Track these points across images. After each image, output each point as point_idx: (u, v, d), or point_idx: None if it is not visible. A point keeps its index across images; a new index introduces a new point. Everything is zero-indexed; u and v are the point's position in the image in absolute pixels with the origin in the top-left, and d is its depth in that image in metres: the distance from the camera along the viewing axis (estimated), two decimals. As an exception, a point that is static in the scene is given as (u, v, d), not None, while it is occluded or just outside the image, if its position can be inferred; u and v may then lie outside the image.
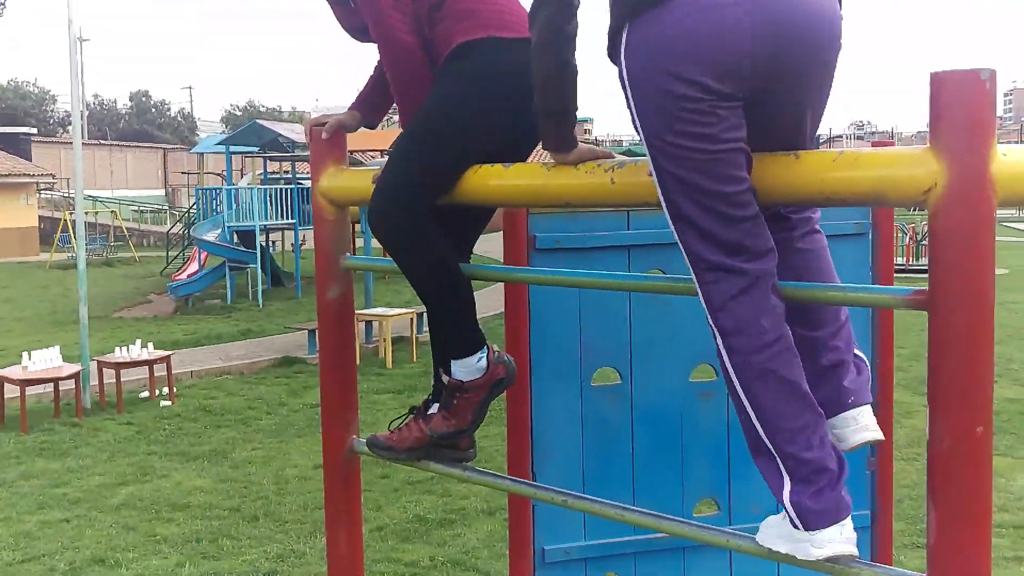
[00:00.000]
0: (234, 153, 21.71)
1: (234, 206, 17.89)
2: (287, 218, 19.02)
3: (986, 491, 1.52)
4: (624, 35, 1.69)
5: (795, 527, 1.68)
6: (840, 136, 61.98)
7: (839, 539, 1.66)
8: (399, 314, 12.14)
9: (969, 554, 1.53)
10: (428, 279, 2.21)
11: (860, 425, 1.84)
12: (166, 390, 10.08)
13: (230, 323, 15.43)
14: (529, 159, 2.23)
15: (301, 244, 19.93)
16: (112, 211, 32.59)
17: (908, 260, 21.42)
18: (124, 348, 9.90)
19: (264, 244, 19.24)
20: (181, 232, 25.08)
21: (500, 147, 2.18)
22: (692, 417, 3.17)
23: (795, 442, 1.67)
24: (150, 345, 10.18)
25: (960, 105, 1.47)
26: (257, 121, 20.43)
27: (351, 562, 2.48)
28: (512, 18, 2.21)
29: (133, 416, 9.38)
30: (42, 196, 35.49)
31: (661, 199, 1.72)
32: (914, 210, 29.73)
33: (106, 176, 47.02)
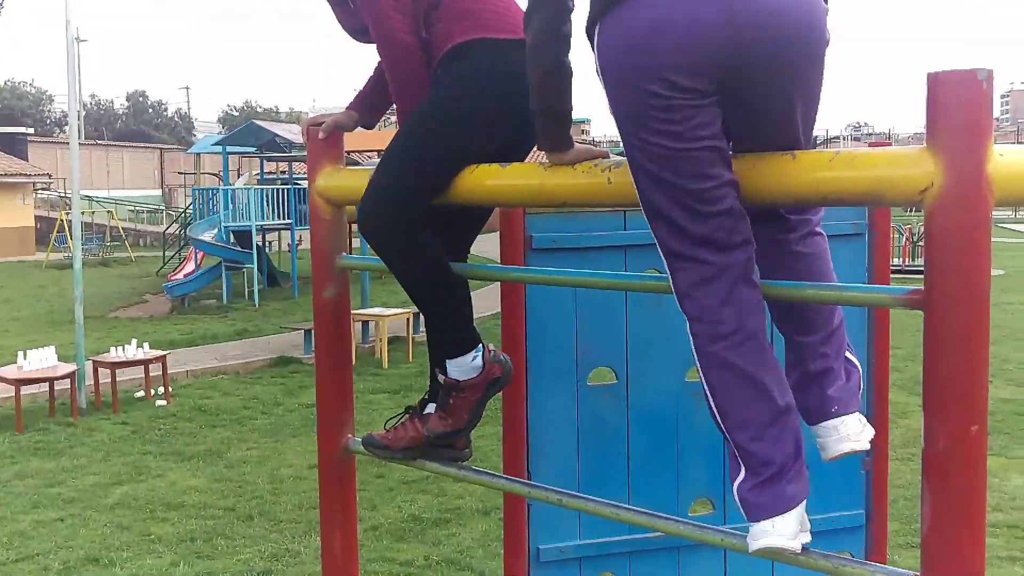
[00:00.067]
0: (231, 153, 21.66)
1: (231, 206, 17.88)
2: (284, 218, 19.00)
3: (980, 491, 1.53)
4: (596, 31, 1.72)
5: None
6: (837, 137, 62.11)
7: (773, 532, 1.68)
8: (395, 314, 12.14)
9: (963, 553, 1.53)
10: (421, 281, 2.21)
11: (841, 435, 1.83)
12: (161, 390, 10.07)
13: (226, 323, 15.42)
14: (527, 160, 2.23)
15: (298, 244, 19.93)
16: (108, 211, 32.53)
17: (905, 261, 21.46)
18: (120, 348, 9.88)
19: (260, 244, 19.22)
20: (177, 232, 25.06)
21: (497, 148, 2.17)
22: (688, 417, 3.17)
23: (743, 431, 1.70)
24: (146, 345, 10.17)
25: (957, 105, 1.47)
26: (254, 121, 20.41)
27: (346, 561, 2.48)
28: (509, 19, 2.21)
29: (128, 416, 9.36)
30: (38, 196, 35.43)
31: (636, 192, 1.75)
32: (911, 210, 29.78)
33: (103, 176, 46.95)
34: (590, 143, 2.07)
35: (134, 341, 10.08)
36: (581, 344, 3.11)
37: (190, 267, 18.76)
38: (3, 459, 7.93)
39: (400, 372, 11.23)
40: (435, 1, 2.21)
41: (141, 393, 10.12)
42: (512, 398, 2.98)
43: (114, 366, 9.62)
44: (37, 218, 32.58)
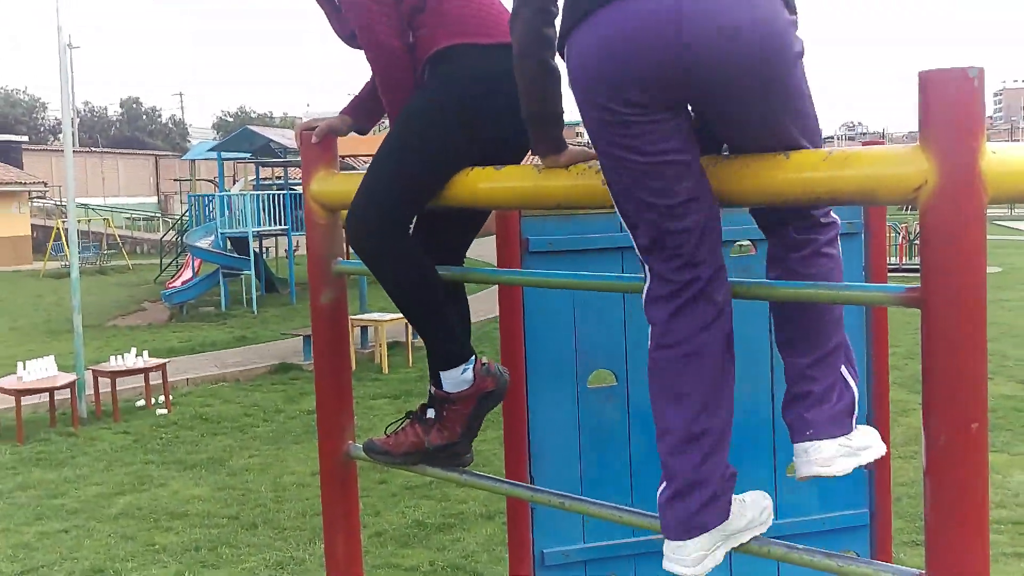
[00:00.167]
0: (226, 159, 21.68)
1: (227, 212, 17.87)
2: (280, 224, 19.00)
3: (983, 487, 1.53)
4: (565, 52, 1.76)
5: None
6: (831, 137, 62.13)
7: (672, 558, 1.74)
8: (394, 319, 12.12)
9: (967, 551, 1.53)
10: (408, 294, 2.19)
11: (810, 459, 1.82)
12: (162, 398, 10.06)
13: (225, 330, 15.41)
14: (523, 163, 2.23)
15: (295, 250, 19.92)
16: (105, 219, 32.53)
17: (901, 260, 21.45)
18: (119, 356, 9.87)
19: (258, 250, 19.21)
20: (174, 239, 25.06)
21: (486, 150, 2.16)
22: (688, 418, 3.17)
23: (662, 441, 1.75)
24: (145, 353, 10.16)
25: (949, 103, 1.47)
26: (249, 127, 20.41)
27: (350, 568, 2.47)
28: (493, 23, 2.20)
29: (129, 425, 9.36)
30: (34, 204, 35.44)
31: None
32: (907, 210, 29.81)
33: (98, 184, 46.95)
34: (586, 145, 2.05)
35: (133, 350, 10.07)
36: (580, 346, 3.11)
37: (188, 274, 18.76)
38: (5, 470, 7.93)
39: (400, 377, 11.22)
40: (419, 5, 2.20)
41: (142, 402, 10.11)
42: (513, 401, 2.98)
43: (114, 375, 9.61)
44: (33, 227, 32.59)
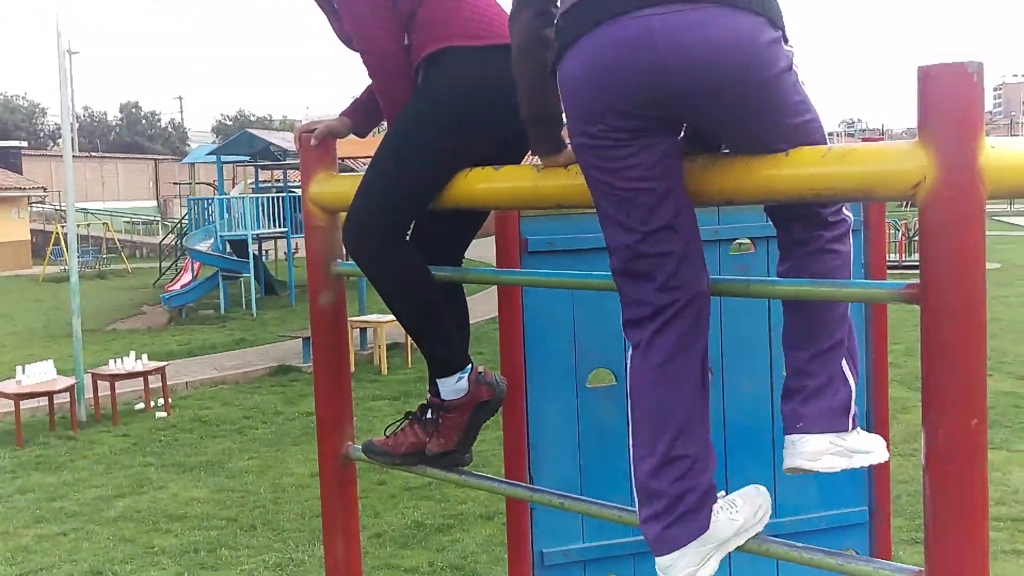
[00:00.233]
0: (225, 163, 21.67)
1: (226, 215, 17.87)
2: (279, 226, 18.99)
3: (982, 485, 1.52)
4: (557, 76, 1.77)
5: None
6: (830, 134, 62.12)
7: (659, 571, 1.76)
8: (393, 320, 12.10)
9: (967, 548, 1.52)
10: (403, 302, 2.19)
11: (795, 451, 1.81)
12: (161, 401, 10.06)
13: (224, 333, 15.41)
14: (523, 162, 2.22)
15: (294, 252, 19.93)
16: (104, 223, 32.54)
17: (901, 256, 21.45)
18: (118, 360, 9.87)
19: (257, 253, 19.21)
20: (173, 243, 25.05)
21: (484, 150, 2.15)
22: (688, 417, 3.16)
23: (636, 455, 1.76)
24: (144, 357, 10.16)
25: (948, 98, 1.47)
26: (248, 130, 20.41)
27: (349, 569, 2.47)
28: (486, 25, 2.19)
29: (128, 428, 9.36)
30: (34, 209, 35.44)
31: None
32: (906, 206, 29.84)
33: (98, 188, 46.96)
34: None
35: (132, 353, 10.07)
36: (579, 346, 3.10)
37: (187, 278, 18.75)
38: (4, 474, 7.92)
39: (399, 378, 11.22)
40: (413, 9, 2.20)
41: (141, 405, 10.11)
42: (512, 401, 2.98)
43: (113, 378, 9.61)
44: (33, 231, 32.60)
